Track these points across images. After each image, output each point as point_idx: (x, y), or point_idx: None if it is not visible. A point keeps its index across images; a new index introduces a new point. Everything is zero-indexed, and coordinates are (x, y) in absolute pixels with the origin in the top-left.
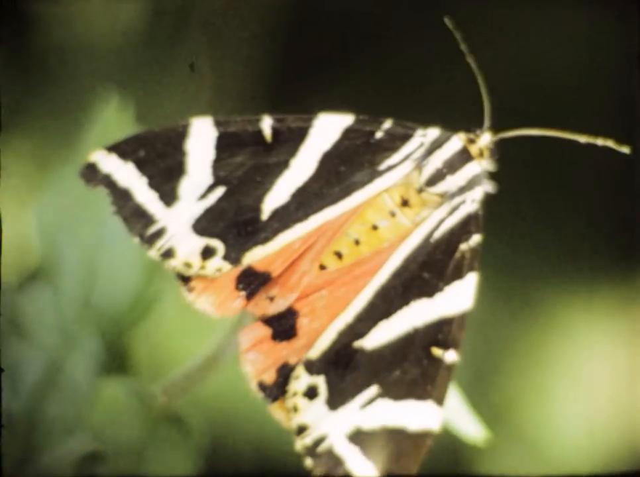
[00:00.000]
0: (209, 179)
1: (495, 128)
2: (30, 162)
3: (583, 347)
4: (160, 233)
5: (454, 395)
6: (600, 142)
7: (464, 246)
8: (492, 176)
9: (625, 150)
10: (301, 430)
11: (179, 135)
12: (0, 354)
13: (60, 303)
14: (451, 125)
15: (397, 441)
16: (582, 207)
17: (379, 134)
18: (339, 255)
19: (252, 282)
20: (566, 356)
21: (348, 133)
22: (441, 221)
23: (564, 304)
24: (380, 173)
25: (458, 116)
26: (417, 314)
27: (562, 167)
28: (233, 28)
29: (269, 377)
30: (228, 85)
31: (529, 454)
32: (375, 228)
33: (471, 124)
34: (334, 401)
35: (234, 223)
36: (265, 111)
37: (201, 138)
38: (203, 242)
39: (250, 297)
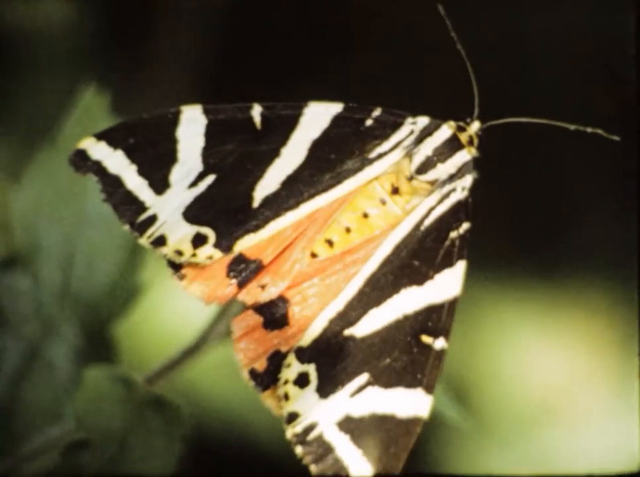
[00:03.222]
0: (199, 166)
1: (485, 116)
2: (10, 149)
3: (513, 347)
4: (150, 221)
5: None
6: (590, 130)
7: (454, 234)
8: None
9: (615, 138)
10: (292, 418)
11: (169, 122)
12: None
13: (39, 290)
14: (441, 113)
15: (387, 429)
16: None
17: (369, 122)
18: (330, 243)
19: (244, 270)
20: (498, 355)
21: (337, 121)
22: (431, 209)
23: (496, 303)
24: (370, 161)
25: (448, 105)
26: (407, 302)
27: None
28: (205, 12)
29: (261, 365)
30: (206, 77)
31: (526, 454)
32: (365, 216)
33: (461, 112)
34: (325, 389)
35: (225, 211)
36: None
37: (191, 126)
38: (194, 229)
39: (241, 285)
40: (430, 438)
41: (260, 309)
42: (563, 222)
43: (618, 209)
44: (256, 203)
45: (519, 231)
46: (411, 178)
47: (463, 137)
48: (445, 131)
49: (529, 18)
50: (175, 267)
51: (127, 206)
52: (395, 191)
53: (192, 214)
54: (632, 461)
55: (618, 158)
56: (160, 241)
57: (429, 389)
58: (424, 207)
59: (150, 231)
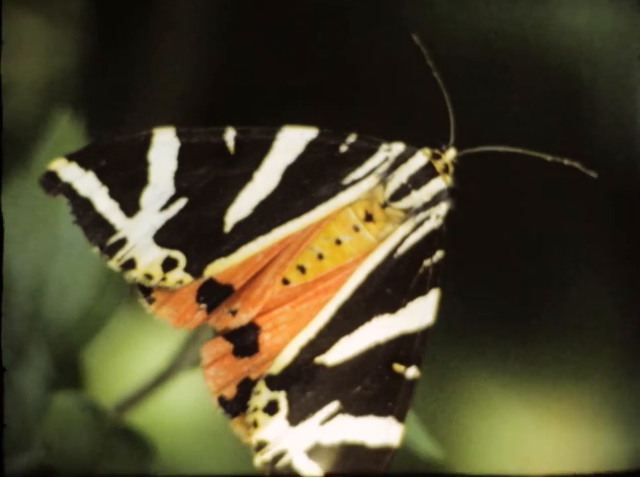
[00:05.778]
0: (170, 190)
1: (460, 144)
2: None
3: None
4: (120, 243)
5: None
6: (567, 162)
7: (427, 262)
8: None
9: (592, 174)
10: (261, 446)
11: (141, 145)
12: None
13: (9, 316)
14: (416, 141)
15: (357, 457)
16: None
17: (343, 148)
18: (302, 269)
19: (214, 295)
20: (479, 421)
21: (312, 146)
22: (405, 237)
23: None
24: (344, 188)
25: (423, 132)
26: (379, 330)
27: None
28: (188, 37)
29: (230, 392)
30: (185, 99)
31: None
32: (339, 242)
33: (436, 139)
34: (295, 417)
35: (196, 235)
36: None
37: (163, 149)
38: (164, 253)
39: (211, 310)
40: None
41: (229, 335)
42: (540, 271)
43: (602, 256)
44: (227, 228)
45: (494, 279)
46: (385, 205)
47: (438, 165)
48: (420, 158)
49: (509, 46)
50: (145, 290)
51: (97, 228)
52: (369, 218)
53: (163, 237)
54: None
55: (604, 194)
56: (130, 264)
57: (400, 418)
58: (398, 234)
59: (119, 254)
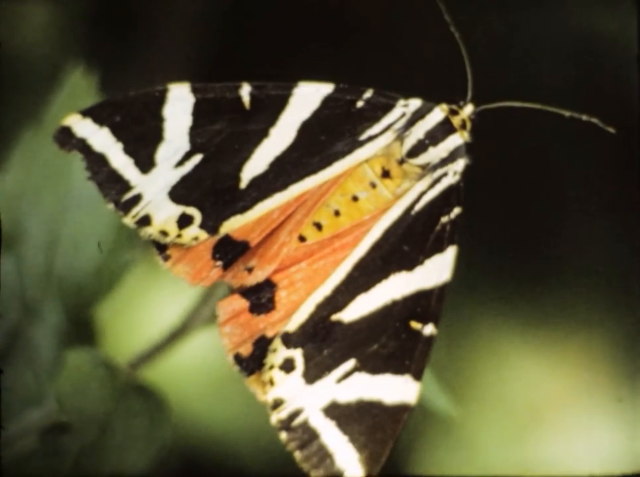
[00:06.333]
0: (186, 146)
1: (478, 100)
2: None
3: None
4: (135, 200)
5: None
6: (585, 117)
7: (444, 219)
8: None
9: (610, 130)
10: (277, 404)
11: (155, 100)
12: None
13: (22, 272)
14: (433, 96)
15: (373, 415)
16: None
17: (360, 104)
18: (319, 226)
19: (230, 252)
20: (488, 373)
21: (328, 102)
22: (422, 193)
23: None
24: (361, 144)
25: (440, 87)
26: (396, 287)
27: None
28: None
29: (246, 350)
30: (198, 54)
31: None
32: (355, 199)
33: (454, 95)
34: (311, 375)
35: (211, 191)
36: (238, 80)
37: (178, 104)
38: (179, 209)
39: (227, 267)
40: (421, 438)
41: (246, 292)
42: (553, 224)
43: (618, 209)
44: (243, 184)
45: (507, 232)
46: (402, 161)
47: (455, 120)
48: (437, 114)
49: (529, 7)
50: (160, 247)
51: (112, 184)
52: (386, 174)
53: (178, 194)
54: (636, 462)
55: (615, 152)
56: (145, 221)
57: (417, 376)
58: (415, 191)
59: (134, 210)
